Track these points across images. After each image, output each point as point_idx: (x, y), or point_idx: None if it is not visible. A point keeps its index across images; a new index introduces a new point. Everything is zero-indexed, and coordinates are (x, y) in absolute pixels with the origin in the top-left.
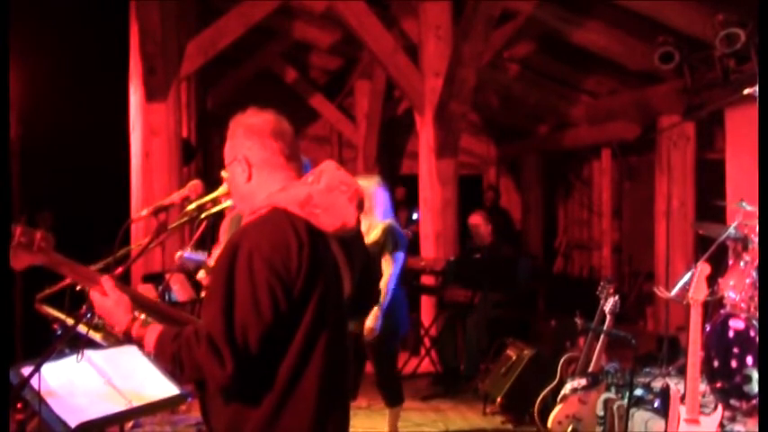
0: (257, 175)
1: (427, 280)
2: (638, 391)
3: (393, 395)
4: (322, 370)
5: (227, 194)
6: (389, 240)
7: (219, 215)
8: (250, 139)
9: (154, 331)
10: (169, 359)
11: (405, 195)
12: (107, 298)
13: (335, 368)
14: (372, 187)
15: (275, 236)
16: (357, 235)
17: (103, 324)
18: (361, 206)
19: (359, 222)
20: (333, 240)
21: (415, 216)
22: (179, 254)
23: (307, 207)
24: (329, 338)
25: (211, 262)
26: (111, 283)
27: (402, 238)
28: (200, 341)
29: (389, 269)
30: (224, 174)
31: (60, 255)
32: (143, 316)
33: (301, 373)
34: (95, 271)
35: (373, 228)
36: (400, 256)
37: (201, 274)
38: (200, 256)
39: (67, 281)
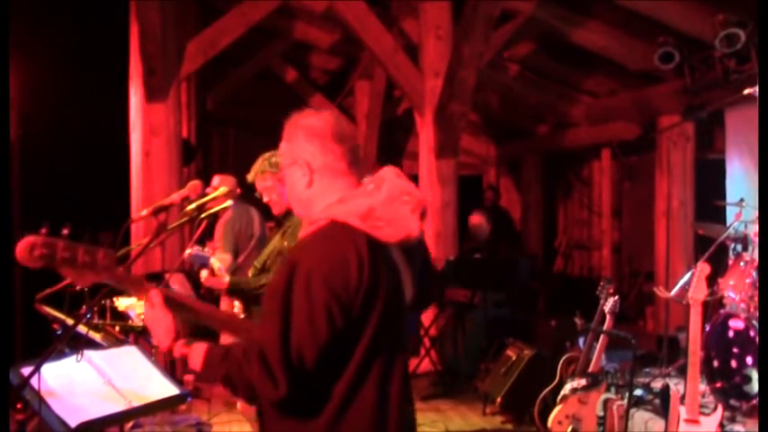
0: (318, 181)
1: None
2: (638, 391)
3: None
4: (381, 382)
5: (227, 195)
6: None
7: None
8: (311, 142)
9: (199, 350)
10: (219, 380)
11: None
12: (153, 311)
13: (393, 378)
14: None
15: (334, 254)
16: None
17: (104, 324)
18: (423, 216)
19: (422, 232)
20: (395, 249)
21: None
22: (188, 252)
23: (368, 220)
24: (389, 350)
25: (214, 262)
26: (160, 300)
27: None
28: (250, 361)
29: None
30: (216, 179)
31: (120, 269)
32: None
33: (360, 385)
34: (149, 284)
35: None
36: None
37: (205, 274)
38: (206, 254)
39: (67, 281)
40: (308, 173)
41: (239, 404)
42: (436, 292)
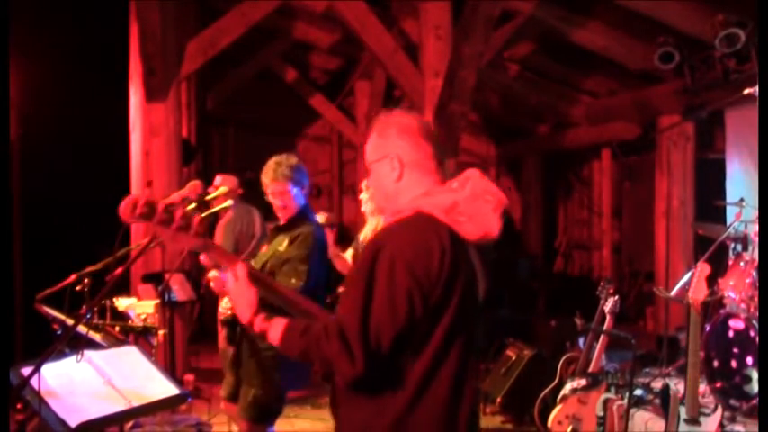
0: (408, 175)
1: None
2: (638, 391)
3: None
4: (455, 372)
5: (227, 195)
6: None
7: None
8: (404, 139)
9: (279, 325)
10: (298, 353)
11: None
12: (237, 284)
13: (468, 370)
14: None
15: (419, 241)
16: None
17: (104, 324)
18: (503, 216)
19: (500, 232)
20: (472, 248)
21: None
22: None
23: (451, 214)
24: (463, 343)
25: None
26: (244, 273)
27: None
28: (330, 337)
29: None
30: (218, 179)
31: (211, 240)
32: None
33: (435, 374)
34: (236, 256)
35: (371, 230)
36: None
37: (213, 274)
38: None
39: (67, 281)
40: (399, 167)
41: (222, 403)
42: (501, 299)
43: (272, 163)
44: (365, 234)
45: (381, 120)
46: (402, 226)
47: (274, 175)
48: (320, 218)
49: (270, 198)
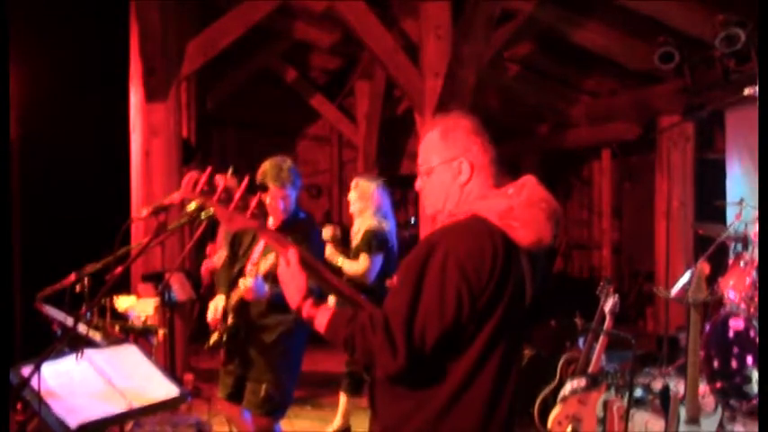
0: (475, 179)
1: None
2: (638, 392)
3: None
4: (495, 376)
5: None
6: (365, 242)
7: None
8: (474, 142)
9: (326, 312)
10: (341, 341)
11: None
12: (288, 269)
13: (508, 376)
14: (372, 188)
15: (473, 243)
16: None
17: (104, 324)
18: (558, 225)
19: (554, 239)
20: (523, 253)
21: (413, 220)
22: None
23: (506, 219)
24: (507, 347)
25: (216, 260)
26: (296, 258)
27: (381, 242)
28: (375, 328)
29: (356, 266)
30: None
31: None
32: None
33: (476, 376)
34: (287, 239)
35: (362, 229)
36: (375, 259)
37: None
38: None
39: (67, 281)
40: (469, 170)
41: (219, 405)
42: (549, 308)
43: (272, 167)
44: (355, 232)
45: (445, 121)
46: (457, 227)
47: (281, 182)
48: (326, 233)
49: (268, 200)
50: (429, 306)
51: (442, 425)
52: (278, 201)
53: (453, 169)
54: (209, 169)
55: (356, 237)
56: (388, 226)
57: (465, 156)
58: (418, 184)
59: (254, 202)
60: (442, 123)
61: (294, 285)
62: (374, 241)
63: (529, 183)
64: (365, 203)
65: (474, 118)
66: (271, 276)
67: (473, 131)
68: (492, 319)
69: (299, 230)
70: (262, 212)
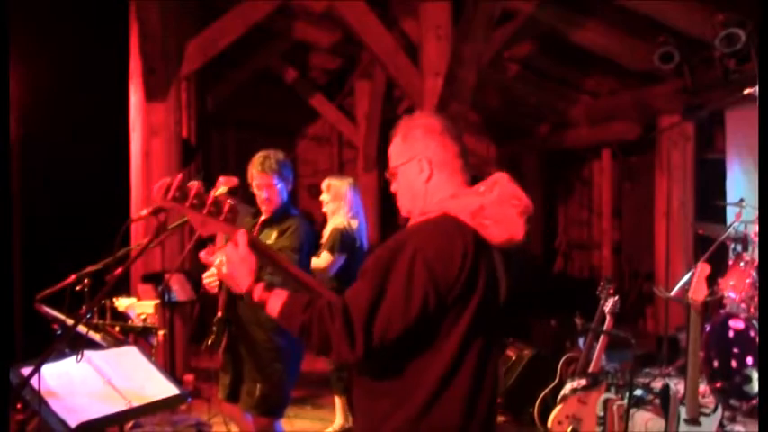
0: (437, 175)
1: None
2: (638, 392)
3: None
4: (473, 374)
5: (226, 195)
6: (330, 241)
7: None
8: (432, 139)
9: (279, 297)
10: (297, 327)
11: None
12: (237, 251)
13: (485, 373)
14: (344, 188)
15: (442, 242)
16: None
17: (104, 324)
18: (530, 222)
19: (526, 237)
20: (496, 251)
21: None
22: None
23: (477, 218)
24: (482, 345)
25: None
26: (245, 240)
27: (346, 241)
28: (334, 315)
29: (316, 261)
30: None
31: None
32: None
33: (453, 374)
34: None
35: (330, 228)
36: (338, 258)
37: (208, 274)
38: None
39: (67, 281)
40: (428, 167)
41: (221, 406)
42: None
43: (259, 155)
44: (327, 234)
45: (405, 123)
46: (427, 226)
47: (261, 168)
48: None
49: (254, 190)
50: (393, 302)
51: (423, 423)
52: (261, 189)
53: (414, 168)
54: (179, 175)
55: (326, 236)
56: (357, 225)
57: (423, 154)
58: (393, 187)
59: (227, 207)
60: (403, 125)
61: (244, 268)
62: (339, 240)
63: (500, 180)
64: (338, 204)
65: (437, 117)
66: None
67: (432, 130)
68: (464, 317)
69: (288, 225)
70: (235, 216)
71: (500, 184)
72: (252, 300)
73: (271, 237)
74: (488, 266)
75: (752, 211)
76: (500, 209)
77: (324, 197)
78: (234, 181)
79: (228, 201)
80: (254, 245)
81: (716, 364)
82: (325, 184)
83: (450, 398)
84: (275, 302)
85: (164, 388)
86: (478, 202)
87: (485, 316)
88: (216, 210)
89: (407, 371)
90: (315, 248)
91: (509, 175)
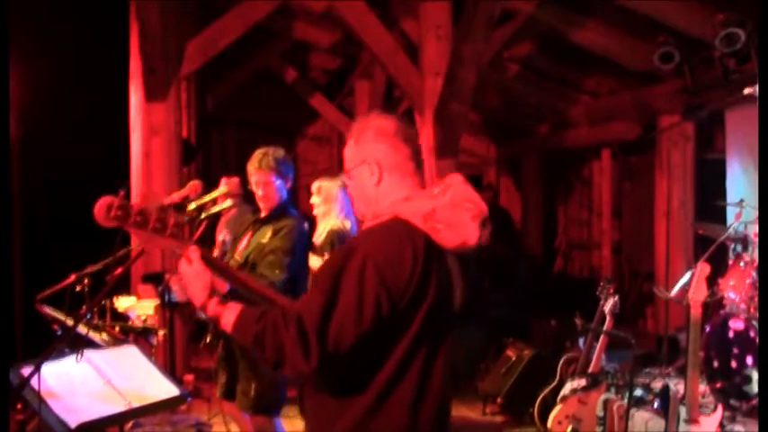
0: (387, 178)
1: None
2: (638, 392)
3: None
4: (419, 379)
5: (226, 195)
6: (327, 242)
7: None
8: (382, 142)
9: (233, 310)
10: (251, 339)
11: None
12: (191, 267)
13: (433, 378)
14: (335, 189)
15: (392, 247)
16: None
17: (104, 324)
18: (484, 224)
19: (480, 240)
20: (451, 256)
21: None
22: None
23: (429, 221)
24: (432, 351)
25: None
26: (197, 255)
27: (343, 241)
28: (288, 325)
29: (317, 262)
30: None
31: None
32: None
33: (400, 380)
34: (191, 241)
35: (326, 229)
36: None
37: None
38: None
39: (67, 281)
40: (378, 171)
41: (222, 405)
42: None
43: (258, 152)
44: (317, 237)
45: (357, 125)
46: (378, 231)
47: (259, 165)
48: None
49: (253, 187)
50: (347, 310)
51: (371, 424)
52: (259, 186)
53: (365, 171)
54: (121, 193)
55: (320, 237)
56: (350, 225)
57: (373, 157)
58: (349, 190)
59: (171, 221)
60: (356, 127)
61: (199, 283)
62: (337, 240)
63: (454, 182)
64: (330, 205)
65: (390, 118)
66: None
67: (383, 132)
68: (414, 323)
69: (283, 225)
70: (181, 231)
71: (454, 187)
72: (207, 315)
73: (265, 235)
74: (441, 271)
75: (752, 211)
76: (453, 212)
77: (314, 199)
78: (234, 182)
79: (173, 215)
80: (208, 260)
81: (716, 364)
82: (315, 186)
83: (397, 400)
84: (229, 316)
85: (164, 388)
86: (430, 206)
87: (436, 321)
88: (161, 226)
89: (356, 373)
90: (309, 250)
91: (464, 178)
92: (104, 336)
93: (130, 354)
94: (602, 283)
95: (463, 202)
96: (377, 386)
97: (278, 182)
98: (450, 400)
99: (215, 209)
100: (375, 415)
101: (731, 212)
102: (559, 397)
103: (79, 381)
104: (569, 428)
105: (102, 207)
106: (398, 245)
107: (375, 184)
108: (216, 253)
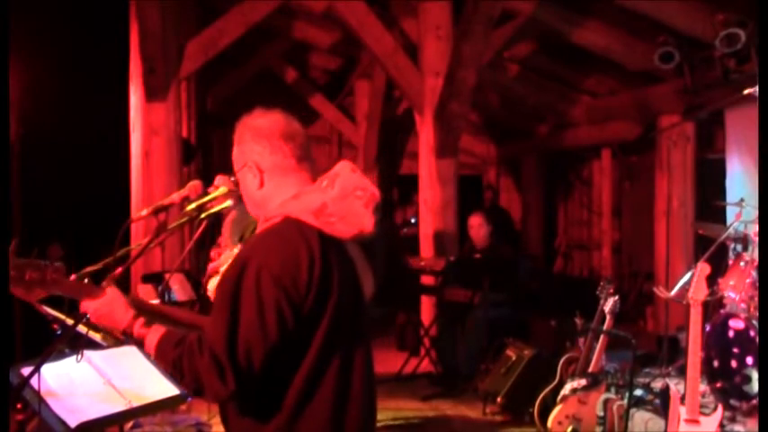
0: (269, 180)
1: (427, 280)
2: (638, 392)
3: None
4: (339, 378)
5: (226, 195)
6: None
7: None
8: (259, 143)
9: (156, 333)
10: (170, 364)
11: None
12: (101, 299)
13: (353, 374)
14: None
15: (285, 251)
16: (377, 234)
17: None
18: (378, 210)
19: (377, 225)
20: (350, 244)
21: (413, 220)
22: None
23: (321, 217)
24: (347, 347)
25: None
26: (96, 303)
27: None
28: (203, 351)
29: None
30: (218, 179)
31: (69, 280)
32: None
33: (318, 382)
34: (93, 285)
35: None
36: None
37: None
38: None
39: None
40: (258, 174)
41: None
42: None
43: None
44: None
45: (238, 126)
46: (268, 236)
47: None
48: None
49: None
50: (250, 327)
51: (293, 430)
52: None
53: (248, 175)
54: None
55: None
56: None
57: (252, 159)
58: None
59: (48, 271)
60: (238, 129)
61: (120, 307)
62: None
63: (342, 171)
64: None
65: (266, 116)
66: None
67: (258, 133)
68: (322, 323)
69: None
70: (60, 274)
71: (342, 176)
72: (133, 338)
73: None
74: (343, 264)
75: (752, 211)
76: (344, 203)
77: None
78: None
79: (51, 265)
80: (135, 302)
81: (716, 364)
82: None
83: (319, 401)
84: (152, 339)
85: (164, 388)
86: (320, 200)
87: (346, 318)
88: (39, 276)
89: (272, 383)
90: None
91: (352, 165)
92: (104, 336)
93: (130, 354)
94: (602, 283)
95: (353, 190)
96: (295, 393)
97: None
98: (375, 401)
99: (215, 209)
100: (297, 422)
101: (731, 212)
102: (559, 397)
103: (79, 381)
104: (569, 428)
105: None
106: (292, 248)
107: (258, 188)
108: (216, 253)
